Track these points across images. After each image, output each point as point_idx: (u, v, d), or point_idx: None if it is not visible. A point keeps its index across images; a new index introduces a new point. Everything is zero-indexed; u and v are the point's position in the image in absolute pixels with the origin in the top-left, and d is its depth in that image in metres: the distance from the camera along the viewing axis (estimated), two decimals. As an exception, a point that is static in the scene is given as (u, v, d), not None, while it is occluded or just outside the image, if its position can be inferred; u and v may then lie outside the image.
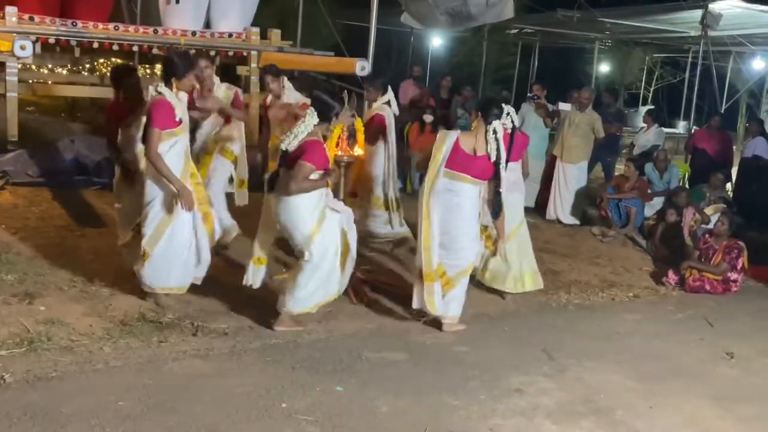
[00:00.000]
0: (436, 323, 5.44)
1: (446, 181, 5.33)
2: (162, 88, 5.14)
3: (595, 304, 6.64)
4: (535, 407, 4.32)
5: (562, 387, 4.64)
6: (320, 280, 5.08)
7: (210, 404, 3.99)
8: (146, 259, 5.18)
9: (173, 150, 5.16)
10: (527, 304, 6.34)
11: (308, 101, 6.65)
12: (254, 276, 5.23)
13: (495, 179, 5.32)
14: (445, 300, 5.38)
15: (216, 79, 6.42)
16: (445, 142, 5.36)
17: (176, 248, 5.24)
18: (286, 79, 6.96)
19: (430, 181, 5.35)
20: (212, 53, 9.49)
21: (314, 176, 4.93)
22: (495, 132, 5.24)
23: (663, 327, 6.09)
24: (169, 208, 5.15)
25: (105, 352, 4.55)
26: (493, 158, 5.26)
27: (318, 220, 4.99)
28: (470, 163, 5.29)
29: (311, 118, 4.99)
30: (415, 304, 5.39)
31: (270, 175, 5.12)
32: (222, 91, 6.42)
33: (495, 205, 5.40)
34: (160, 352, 4.63)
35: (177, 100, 5.20)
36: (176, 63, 5.21)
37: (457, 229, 5.35)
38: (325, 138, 5.91)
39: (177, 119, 5.16)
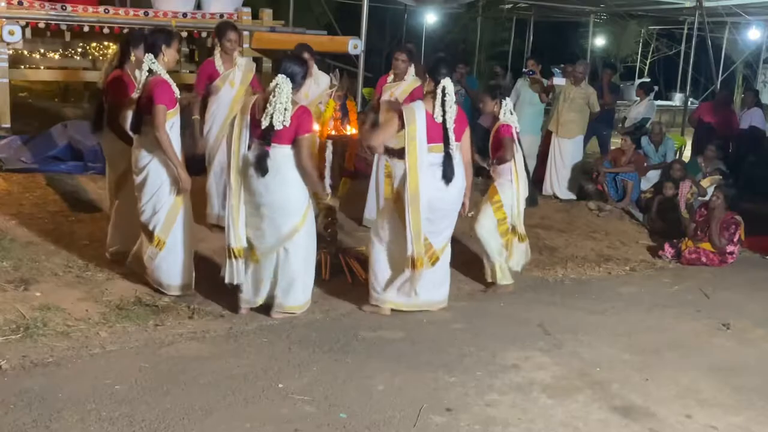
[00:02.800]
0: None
1: (433, 156, 5.05)
2: (155, 66, 5.02)
3: (592, 278, 6.65)
4: (531, 382, 4.33)
5: (558, 361, 4.65)
6: (310, 267, 5.05)
7: (206, 386, 4.00)
8: (161, 248, 5.12)
9: (173, 132, 5.10)
10: (523, 279, 6.33)
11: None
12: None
13: (444, 142, 5.03)
14: (435, 285, 5.29)
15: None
16: (416, 117, 4.99)
17: (190, 235, 5.23)
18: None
19: (414, 162, 4.99)
20: (203, 34, 9.44)
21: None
22: (444, 90, 5.00)
23: (659, 300, 6.09)
24: (177, 192, 5.10)
25: (101, 337, 4.55)
26: (439, 119, 4.99)
27: (307, 207, 4.93)
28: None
29: (286, 85, 4.72)
30: (401, 291, 5.22)
31: (257, 156, 4.75)
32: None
33: (447, 171, 5.05)
34: (156, 336, 4.63)
35: (169, 77, 5.11)
36: (159, 35, 5.13)
37: (448, 202, 5.21)
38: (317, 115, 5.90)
39: (176, 98, 5.11)
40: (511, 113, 5.97)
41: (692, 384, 4.47)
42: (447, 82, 5.03)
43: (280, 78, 4.73)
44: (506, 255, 6.01)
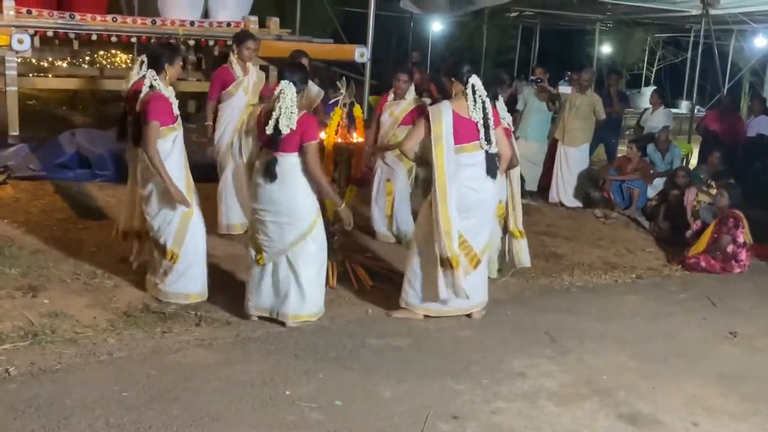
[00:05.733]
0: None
1: (462, 157, 5.06)
2: (156, 82, 5.05)
3: (598, 286, 6.64)
4: (537, 390, 4.33)
5: (565, 369, 4.65)
6: (321, 275, 5.06)
7: (213, 393, 4.01)
8: (175, 261, 5.12)
9: (176, 147, 5.10)
10: (530, 287, 6.34)
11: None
12: None
13: (485, 139, 5.05)
14: (470, 288, 5.22)
15: None
16: (443, 116, 5.00)
17: (200, 248, 5.24)
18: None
19: (441, 162, 5.00)
20: (211, 43, 9.49)
21: None
22: (474, 88, 5.02)
23: (666, 307, 6.09)
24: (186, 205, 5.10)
25: (109, 344, 4.57)
26: (476, 118, 5.00)
27: (316, 215, 4.94)
28: (477, 129, 5.07)
29: (290, 90, 4.76)
30: (442, 295, 5.14)
31: (266, 162, 4.81)
32: None
33: (490, 167, 5.14)
34: (163, 343, 4.65)
35: (171, 93, 5.14)
36: (163, 51, 5.18)
37: (482, 202, 5.20)
38: (324, 125, 5.92)
39: (175, 114, 5.11)
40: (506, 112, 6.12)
41: (699, 392, 4.46)
42: (474, 80, 5.05)
43: (284, 84, 4.77)
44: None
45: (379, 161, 7.02)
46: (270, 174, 4.77)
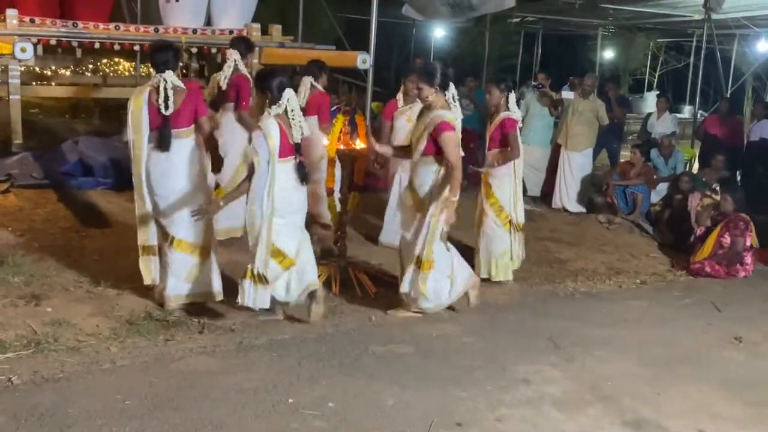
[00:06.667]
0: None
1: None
2: (178, 81, 5.10)
3: (602, 291, 6.63)
4: (541, 396, 4.32)
5: (569, 375, 4.63)
6: None
7: (216, 401, 4.00)
8: (206, 257, 5.28)
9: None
10: (533, 293, 6.33)
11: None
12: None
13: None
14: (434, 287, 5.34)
15: None
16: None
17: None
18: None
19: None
20: (213, 51, 9.50)
21: None
22: (454, 96, 5.27)
23: (670, 313, 6.07)
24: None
25: (112, 352, 4.56)
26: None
27: None
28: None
29: (294, 96, 4.95)
30: (404, 288, 5.30)
31: (298, 167, 4.96)
32: None
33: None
34: (166, 351, 4.64)
35: None
36: (171, 52, 5.17)
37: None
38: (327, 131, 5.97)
39: None
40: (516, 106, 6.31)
41: (704, 398, 4.44)
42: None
43: (288, 92, 4.87)
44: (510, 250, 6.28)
45: (398, 169, 6.74)
46: (305, 177, 5.00)
